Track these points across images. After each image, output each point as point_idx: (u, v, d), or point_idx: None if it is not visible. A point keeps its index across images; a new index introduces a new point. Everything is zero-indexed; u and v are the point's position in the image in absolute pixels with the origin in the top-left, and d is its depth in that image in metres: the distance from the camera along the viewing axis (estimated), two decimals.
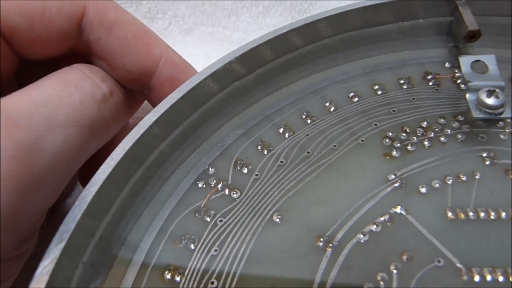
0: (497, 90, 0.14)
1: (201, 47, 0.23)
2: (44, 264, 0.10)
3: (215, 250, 0.13)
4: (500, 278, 0.12)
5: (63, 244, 0.11)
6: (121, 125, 0.16)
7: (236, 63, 0.15)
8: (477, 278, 0.12)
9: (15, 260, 0.12)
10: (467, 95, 0.14)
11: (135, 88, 0.16)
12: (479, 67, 0.15)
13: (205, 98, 0.15)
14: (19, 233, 0.12)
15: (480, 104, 0.14)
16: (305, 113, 0.16)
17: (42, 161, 0.11)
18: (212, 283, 0.12)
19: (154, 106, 0.15)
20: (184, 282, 0.12)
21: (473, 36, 0.15)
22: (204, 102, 0.15)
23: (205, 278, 0.12)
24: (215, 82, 0.15)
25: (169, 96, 0.14)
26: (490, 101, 0.14)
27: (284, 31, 0.16)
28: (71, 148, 0.12)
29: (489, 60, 0.15)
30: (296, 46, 0.17)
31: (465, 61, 0.15)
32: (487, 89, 0.14)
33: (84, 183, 0.13)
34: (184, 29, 0.23)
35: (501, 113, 0.14)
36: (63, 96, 0.12)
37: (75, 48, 0.15)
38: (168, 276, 0.12)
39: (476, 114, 0.14)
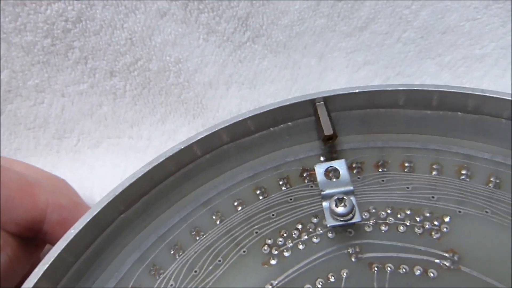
0: (345, 197, 0.15)
1: (110, 158, 0.24)
2: None
3: None
4: None
5: None
6: (22, 269, 0.17)
7: (119, 197, 0.17)
8: None
9: None
10: (323, 204, 0.16)
11: (30, 236, 0.17)
12: (333, 173, 0.16)
13: (91, 238, 0.16)
14: None
15: (332, 213, 0.15)
16: (194, 228, 0.17)
17: None
18: None
19: (53, 245, 0.16)
20: None
21: (329, 138, 0.17)
22: (96, 237, 0.16)
23: None
24: (106, 210, 0.16)
25: (54, 247, 0.15)
26: (340, 210, 0.15)
27: (188, 143, 0.18)
28: None
29: (340, 165, 0.16)
30: (196, 156, 0.18)
31: (319, 170, 0.16)
32: (336, 197, 0.15)
33: None
34: (92, 143, 0.24)
35: (351, 218, 0.15)
36: None
37: None
38: None
39: (330, 222, 0.16)
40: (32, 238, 0.17)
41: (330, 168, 0.16)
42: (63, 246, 0.15)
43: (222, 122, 0.19)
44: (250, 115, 0.19)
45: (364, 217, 0.17)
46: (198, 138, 0.18)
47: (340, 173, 0.16)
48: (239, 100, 0.23)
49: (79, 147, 0.24)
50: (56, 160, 0.24)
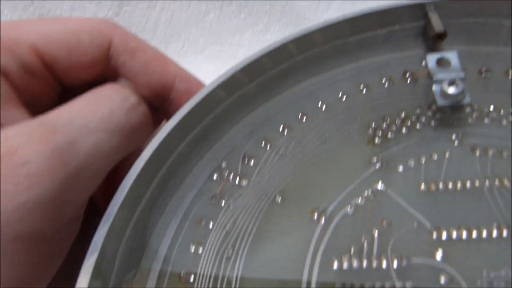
0: (457, 80, 0.16)
1: (212, 64, 0.26)
2: (95, 239, 0.13)
3: (229, 227, 0.16)
4: (464, 235, 0.14)
5: (108, 225, 0.14)
6: (147, 134, 0.19)
7: (239, 73, 0.18)
8: (444, 236, 0.14)
9: (62, 242, 0.15)
10: (433, 87, 0.17)
11: (158, 102, 0.19)
12: (444, 63, 0.17)
13: (215, 104, 0.18)
14: (62, 217, 0.14)
15: (443, 93, 0.16)
16: (301, 113, 0.19)
17: (76, 160, 0.14)
18: (228, 252, 0.15)
19: None
20: (206, 252, 0.15)
21: (439, 37, 0.18)
22: (215, 108, 0.18)
23: (222, 248, 0.15)
24: (223, 90, 0.18)
25: (186, 104, 0.17)
26: (451, 90, 0.16)
27: (281, 43, 0.19)
28: (102, 150, 0.15)
29: (452, 55, 0.17)
30: (292, 55, 0.20)
31: (431, 58, 0.17)
32: (448, 80, 0.16)
33: (105, 205, 0.15)
34: (196, 49, 0.26)
35: (462, 99, 0.16)
36: (95, 107, 0.16)
37: (104, 74, 0.18)
38: (193, 249, 0.15)
39: (441, 102, 0.17)
40: (156, 108, 0.19)
41: (441, 58, 0.17)
42: (197, 101, 0.17)
43: (318, 23, 0.20)
44: (351, 17, 0.20)
45: (466, 111, 0.18)
46: (293, 38, 0.19)
47: (452, 63, 0.17)
48: (340, 14, 0.24)
49: (184, 52, 0.26)
50: None
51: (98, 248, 0.13)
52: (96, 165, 0.15)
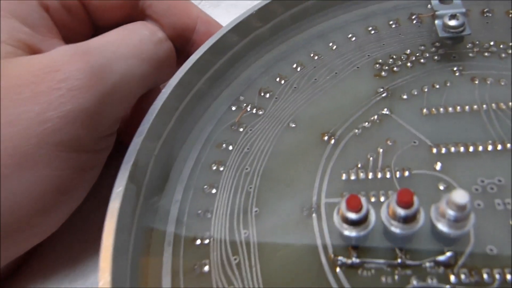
0: (458, 14, 0.17)
1: (228, 17, 0.27)
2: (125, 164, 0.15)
3: (247, 149, 0.17)
4: (461, 149, 0.16)
5: (141, 137, 0.15)
6: (172, 70, 0.20)
7: (254, 17, 0.20)
8: (443, 151, 0.16)
9: (99, 154, 0.17)
10: (436, 21, 0.18)
11: (180, 43, 0.20)
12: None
13: (230, 45, 0.19)
14: (99, 130, 0.16)
15: (445, 26, 0.18)
16: (313, 52, 0.20)
17: (111, 79, 0.15)
18: (247, 169, 0.17)
19: None
20: (226, 170, 0.17)
21: None
22: (230, 49, 0.20)
23: (241, 167, 0.17)
24: (236, 33, 0.19)
25: (204, 44, 0.18)
26: (452, 22, 0.17)
27: None
28: (133, 74, 0.17)
29: None
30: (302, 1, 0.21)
31: None
32: (449, 14, 0.18)
33: (128, 139, 0.16)
34: (213, 3, 0.28)
35: (462, 31, 0.18)
36: (126, 37, 0.17)
37: (133, 15, 0.19)
38: (214, 168, 0.17)
39: (442, 34, 0.18)
40: (178, 50, 0.21)
41: None
42: (212, 43, 0.18)
43: None
44: None
45: (468, 46, 0.19)
46: None
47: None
48: None
49: (201, 6, 0.28)
50: None
51: (134, 155, 0.15)
52: (129, 87, 0.16)
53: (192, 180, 0.17)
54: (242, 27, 0.20)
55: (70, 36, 0.18)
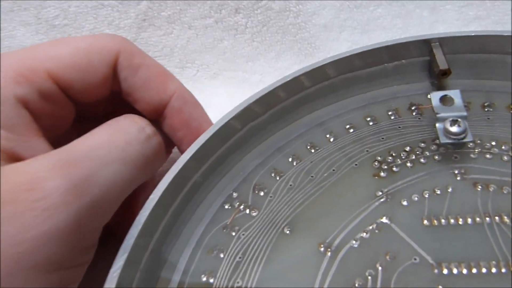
0: (459, 119, 0.17)
1: (225, 89, 0.27)
2: (113, 270, 0.14)
3: (239, 257, 0.16)
4: (464, 271, 0.15)
5: (125, 255, 0.15)
6: (160, 164, 0.19)
7: (253, 105, 0.19)
8: (445, 272, 0.15)
9: (77, 269, 0.16)
10: (437, 125, 0.18)
11: (152, 117, 0.19)
12: (447, 100, 0.18)
13: (229, 135, 0.19)
14: (78, 246, 0.15)
15: (446, 131, 0.17)
16: (309, 143, 0.20)
17: (92, 193, 0.15)
18: (238, 282, 0.16)
19: (168, 135, 0.19)
20: (217, 283, 0.16)
21: (444, 73, 0.19)
22: (228, 138, 0.19)
23: (232, 279, 0.16)
24: (237, 121, 0.19)
25: (203, 134, 0.18)
26: (454, 129, 0.17)
27: (294, 76, 0.20)
28: (118, 181, 0.16)
29: (455, 94, 0.18)
30: (305, 87, 0.21)
31: (435, 96, 0.18)
32: (451, 119, 0.17)
33: (120, 230, 0.16)
34: (210, 75, 0.27)
35: (464, 138, 0.17)
36: (112, 140, 0.16)
37: (115, 90, 0.19)
38: (204, 279, 0.16)
39: (443, 140, 0.17)
40: (167, 142, 0.20)
41: (445, 95, 0.18)
42: (210, 134, 0.18)
43: (329, 57, 0.21)
44: (360, 51, 0.21)
45: (469, 146, 0.18)
46: (306, 71, 0.20)
47: (455, 101, 0.18)
48: (350, 44, 0.25)
49: (198, 77, 0.27)
50: None
51: (115, 280, 0.14)
52: (111, 196, 0.16)
53: None
54: (243, 116, 0.19)
55: (53, 123, 0.18)
